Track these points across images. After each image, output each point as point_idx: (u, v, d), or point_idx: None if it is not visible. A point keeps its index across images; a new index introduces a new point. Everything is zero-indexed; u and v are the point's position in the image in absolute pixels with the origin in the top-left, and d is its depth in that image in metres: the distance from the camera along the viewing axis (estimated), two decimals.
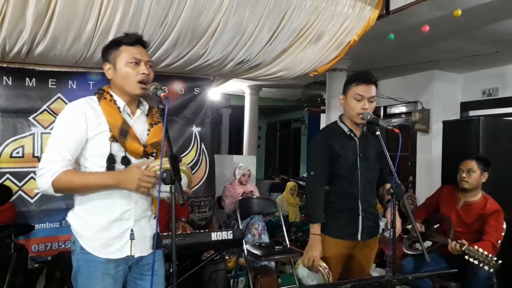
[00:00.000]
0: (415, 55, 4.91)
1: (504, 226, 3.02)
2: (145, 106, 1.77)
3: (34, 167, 1.59)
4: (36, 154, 3.46)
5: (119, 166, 1.61)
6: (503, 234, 2.97)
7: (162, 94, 1.55)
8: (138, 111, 1.73)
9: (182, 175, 1.48)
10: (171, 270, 2.55)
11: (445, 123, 4.24)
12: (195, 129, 4.28)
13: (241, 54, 3.54)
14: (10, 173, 3.40)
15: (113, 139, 1.59)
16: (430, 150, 5.72)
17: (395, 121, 6.47)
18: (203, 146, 4.33)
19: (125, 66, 1.63)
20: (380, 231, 2.33)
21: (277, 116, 11.99)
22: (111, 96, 1.67)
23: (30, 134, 3.46)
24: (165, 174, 1.40)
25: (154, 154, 1.69)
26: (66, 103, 3.27)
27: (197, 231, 3.08)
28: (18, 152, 3.42)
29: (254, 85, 7.59)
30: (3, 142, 3.38)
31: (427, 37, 3.88)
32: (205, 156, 4.34)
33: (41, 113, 3.51)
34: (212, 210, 4.41)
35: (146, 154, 1.66)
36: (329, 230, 2.20)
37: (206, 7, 2.96)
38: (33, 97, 3.48)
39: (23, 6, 2.54)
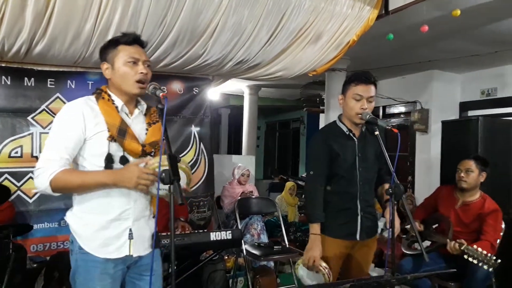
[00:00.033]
0: (414, 55, 4.91)
1: (503, 225, 3.03)
2: (143, 105, 1.77)
3: (33, 167, 1.58)
4: (34, 154, 3.45)
5: (117, 165, 1.61)
6: (501, 234, 2.98)
7: (161, 94, 1.55)
8: (136, 111, 1.73)
9: (181, 172, 1.48)
10: (170, 270, 2.54)
11: (444, 123, 4.25)
12: (194, 129, 4.28)
13: (240, 54, 3.54)
14: (9, 173, 3.39)
15: (112, 138, 1.59)
16: (429, 150, 5.72)
17: (394, 121, 6.47)
18: (202, 146, 4.32)
19: (123, 65, 1.63)
20: (379, 231, 2.33)
21: (276, 116, 12.00)
22: (109, 95, 1.67)
23: (29, 134, 3.46)
24: (163, 174, 1.40)
25: (152, 154, 1.69)
26: (65, 103, 3.28)
27: (196, 231, 3.08)
28: (16, 152, 3.42)
29: (253, 85, 7.59)
30: (1, 142, 3.37)
31: (426, 37, 3.89)
32: (204, 156, 4.34)
33: (39, 113, 3.50)
34: (211, 210, 4.41)
35: (144, 154, 1.66)
36: (328, 230, 2.20)
37: (205, 7, 2.96)
38: (32, 97, 3.47)
39: (22, 5, 2.53)
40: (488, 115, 5.12)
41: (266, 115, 12.00)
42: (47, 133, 3.37)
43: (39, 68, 3.42)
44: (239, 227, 3.92)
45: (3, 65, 3.30)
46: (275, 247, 3.55)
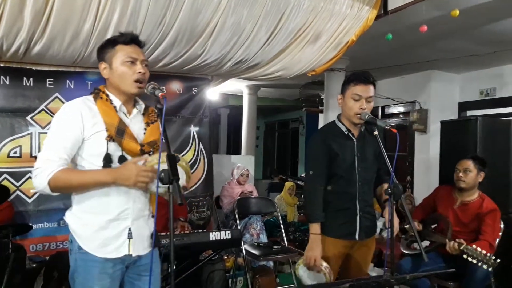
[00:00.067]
0: (413, 55, 4.92)
1: (502, 225, 3.03)
2: (141, 105, 1.77)
3: (32, 167, 1.58)
4: (33, 154, 3.45)
5: (116, 165, 1.61)
6: (500, 233, 2.99)
7: (160, 94, 1.55)
8: (135, 110, 1.73)
9: (179, 168, 1.48)
10: (169, 270, 2.54)
11: (443, 123, 4.25)
12: (193, 129, 4.28)
13: (239, 54, 3.54)
14: (8, 173, 3.39)
15: (110, 138, 1.59)
16: (428, 150, 5.73)
17: (393, 121, 6.48)
18: (201, 146, 4.32)
19: (121, 65, 1.63)
20: (378, 231, 2.33)
21: (275, 116, 12.00)
22: (107, 95, 1.67)
23: (28, 134, 3.45)
24: (162, 174, 1.41)
25: (151, 153, 1.69)
26: (63, 103, 3.26)
27: (196, 231, 3.08)
28: (15, 152, 3.42)
29: (252, 85, 7.59)
30: (0, 142, 3.37)
31: (425, 37, 3.89)
32: (203, 156, 4.34)
33: (38, 112, 3.50)
34: (210, 210, 4.41)
35: (143, 153, 1.66)
36: (326, 230, 2.20)
37: (204, 7, 2.96)
38: (31, 96, 3.47)
39: (21, 5, 2.53)
40: (487, 115, 5.12)
41: (265, 115, 12.00)
42: (46, 133, 3.35)
43: (38, 68, 3.42)
44: (239, 227, 3.92)
45: (1, 65, 3.29)
46: (274, 247, 3.55)
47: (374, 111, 2.29)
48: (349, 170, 2.21)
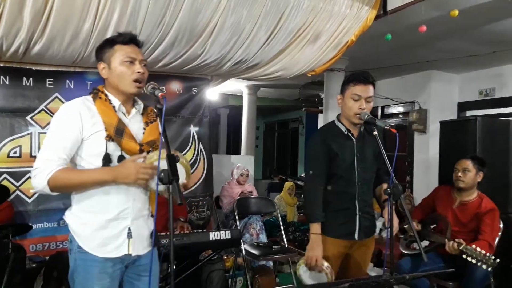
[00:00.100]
0: (413, 55, 4.92)
1: (501, 225, 3.04)
2: (140, 105, 1.77)
3: (32, 167, 1.59)
4: (33, 154, 3.45)
5: (115, 165, 1.61)
6: (499, 233, 2.99)
7: (159, 94, 1.56)
8: (134, 110, 1.73)
9: (180, 166, 1.48)
10: (169, 270, 2.55)
11: (443, 123, 4.25)
12: (193, 129, 4.28)
13: (238, 54, 3.54)
14: (8, 173, 3.39)
15: (109, 138, 1.59)
16: (427, 150, 5.73)
17: (393, 121, 6.48)
18: (201, 146, 4.33)
19: (119, 65, 1.63)
20: (378, 231, 2.34)
21: (275, 116, 12.00)
22: (106, 95, 1.67)
23: (28, 134, 3.46)
24: (162, 174, 1.41)
25: (150, 153, 1.69)
26: (63, 103, 3.26)
27: (195, 230, 3.08)
28: (15, 152, 3.42)
29: (252, 85, 7.59)
30: (0, 142, 3.37)
31: (424, 37, 3.89)
32: (203, 156, 4.35)
33: (38, 112, 3.50)
34: (210, 210, 4.41)
35: (142, 153, 1.66)
36: (326, 230, 2.21)
37: (204, 7, 2.96)
38: (31, 96, 3.47)
39: (20, 5, 2.53)
40: (486, 115, 5.13)
41: (265, 115, 12.00)
42: (46, 133, 3.38)
43: (38, 68, 3.42)
44: (238, 227, 3.92)
45: (1, 65, 3.29)
46: (274, 246, 3.55)
47: (373, 111, 2.29)
48: (348, 170, 2.21)
